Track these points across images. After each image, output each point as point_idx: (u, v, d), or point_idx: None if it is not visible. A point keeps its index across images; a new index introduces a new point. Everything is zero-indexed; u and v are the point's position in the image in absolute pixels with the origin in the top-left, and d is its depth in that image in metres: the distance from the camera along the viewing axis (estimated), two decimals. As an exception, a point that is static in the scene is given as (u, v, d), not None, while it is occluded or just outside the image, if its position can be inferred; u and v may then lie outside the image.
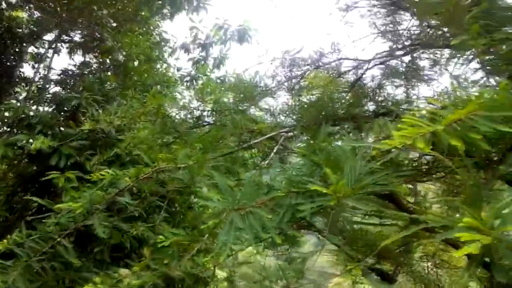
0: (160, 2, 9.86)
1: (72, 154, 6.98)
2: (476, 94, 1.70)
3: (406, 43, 3.75)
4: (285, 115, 3.98)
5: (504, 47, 2.15)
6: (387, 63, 4.43)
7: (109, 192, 3.33)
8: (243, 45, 10.19)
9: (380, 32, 4.22)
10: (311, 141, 2.79)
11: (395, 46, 4.19)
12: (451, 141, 1.53)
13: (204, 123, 4.30)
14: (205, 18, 10.87)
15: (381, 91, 4.52)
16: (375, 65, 4.42)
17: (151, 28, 10.14)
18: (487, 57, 2.34)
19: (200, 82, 10.32)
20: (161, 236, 2.88)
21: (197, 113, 4.49)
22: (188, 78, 10.50)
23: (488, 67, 2.39)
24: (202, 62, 10.54)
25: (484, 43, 2.16)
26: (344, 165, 2.04)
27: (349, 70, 4.55)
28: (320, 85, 3.72)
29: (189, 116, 4.49)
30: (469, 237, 1.16)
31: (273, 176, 2.44)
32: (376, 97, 4.48)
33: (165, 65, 10.31)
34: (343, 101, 3.98)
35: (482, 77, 2.43)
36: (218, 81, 9.75)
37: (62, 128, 7.67)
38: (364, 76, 4.51)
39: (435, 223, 1.48)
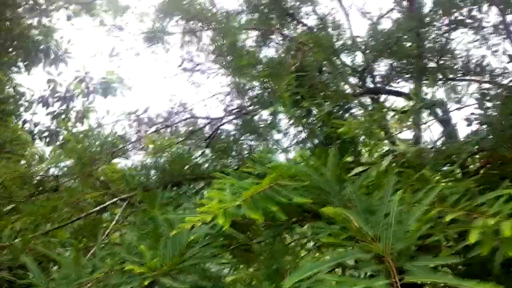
0: (14, 53, 9.18)
1: None
2: (279, 164, 1.81)
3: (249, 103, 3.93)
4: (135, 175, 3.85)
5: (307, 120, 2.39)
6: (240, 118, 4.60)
7: None
8: (108, 98, 9.86)
9: (228, 92, 4.40)
10: (146, 209, 2.69)
11: (242, 103, 4.39)
12: (251, 213, 1.58)
13: (46, 189, 3.94)
14: (65, 70, 10.31)
15: (237, 146, 4.66)
16: (227, 121, 4.56)
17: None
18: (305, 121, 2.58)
19: (61, 137, 9.63)
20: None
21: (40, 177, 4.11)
22: (46, 134, 9.73)
23: (306, 131, 2.63)
24: (63, 116, 9.90)
25: (297, 110, 2.37)
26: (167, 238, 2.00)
27: (202, 127, 4.62)
28: (166, 145, 3.69)
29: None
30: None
31: (98, 254, 2.28)
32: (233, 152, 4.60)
33: (16, 121, 9.45)
34: (194, 160, 3.99)
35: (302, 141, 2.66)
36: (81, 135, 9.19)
37: None
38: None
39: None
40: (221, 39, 3.46)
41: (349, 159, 2.11)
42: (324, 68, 3.64)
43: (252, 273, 1.74)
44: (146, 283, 1.74)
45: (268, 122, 3.44)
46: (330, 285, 1.06)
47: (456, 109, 3.98)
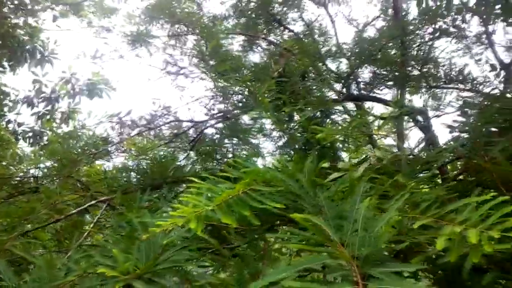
0: (-1, 53, 9.08)
1: None
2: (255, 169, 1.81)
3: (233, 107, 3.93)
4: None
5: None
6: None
7: None
8: (93, 99, 9.79)
9: (213, 95, 4.40)
10: (123, 212, 2.67)
11: (226, 108, 4.39)
12: (223, 218, 1.59)
13: (25, 190, 3.89)
14: (51, 71, 10.21)
15: (221, 149, 4.65)
16: (211, 125, 4.55)
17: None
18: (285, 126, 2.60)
19: (45, 138, 9.54)
20: None
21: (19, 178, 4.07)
22: (31, 134, 9.62)
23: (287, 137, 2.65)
24: (48, 117, 9.79)
25: (278, 116, 2.39)
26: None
27: (186, 131, 4.61)
28: (148, 148, 3.67)
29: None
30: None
31: (73, 257, 2.26)
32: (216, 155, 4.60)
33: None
34: (177, 163, 3.98)
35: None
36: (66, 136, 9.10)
37: None
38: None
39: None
40: (204, 44, 3.47)
41: (326, 165, 2.12)
42: (308, 74, 3.67)
43: (222, 278, 1.74)
44: (117, 286, 1.73)
45: (250, 127, 3.45)
46: (294, 290, 1.06)
47: (436, 116, 4.04)
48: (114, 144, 3.88)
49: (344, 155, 3.06)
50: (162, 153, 3.77)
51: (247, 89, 3.23)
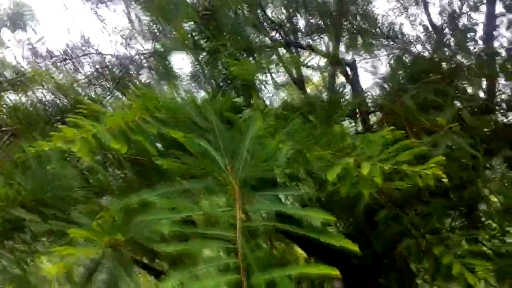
0: None
1: None
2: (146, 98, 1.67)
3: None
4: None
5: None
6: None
7: None
8: (17, 32, 8.95)
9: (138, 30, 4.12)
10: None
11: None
12: (112, 143, 1.46)
13: None
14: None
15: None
16: (136, 61, 4.29)
17: None
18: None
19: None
20: None
21: None
22: None
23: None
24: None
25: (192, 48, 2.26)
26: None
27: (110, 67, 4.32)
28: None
29: None
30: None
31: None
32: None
33: None
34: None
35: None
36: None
37: None
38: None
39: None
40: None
41: (240, 100, 2.04)
42: (239, 13, 3.50)
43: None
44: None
45: (170, 63, 3.25)
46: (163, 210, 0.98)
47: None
48: (23, 74, 3.54)
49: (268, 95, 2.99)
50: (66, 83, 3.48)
51: (168, 25, 3.03)
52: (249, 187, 1.11)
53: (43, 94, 3.24)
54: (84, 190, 1.81)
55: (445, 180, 1.38)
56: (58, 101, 3.06)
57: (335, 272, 0.82)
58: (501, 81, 3.17)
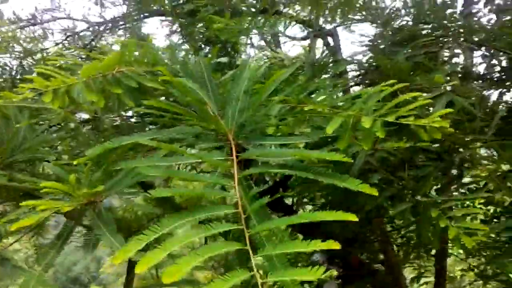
0: None
1: None
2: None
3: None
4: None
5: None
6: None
7: None
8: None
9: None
10: None
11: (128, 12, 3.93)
12: (87, 95, 1.32)
13: None
14: None
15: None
16: (109, 28, 4.07)
17: None
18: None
19: None
20: None
21: None
22: None
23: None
24: None
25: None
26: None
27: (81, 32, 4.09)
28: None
29: None
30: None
31: None
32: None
33: None
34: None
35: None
36: None
37: None
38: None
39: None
40: None
41: (225, 59, 1.91)
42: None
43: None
44: None
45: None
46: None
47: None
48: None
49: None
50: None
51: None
52: (243, 137, 1.01)
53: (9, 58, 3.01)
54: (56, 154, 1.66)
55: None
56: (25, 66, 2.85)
57: (352, 217, 0.73)
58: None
